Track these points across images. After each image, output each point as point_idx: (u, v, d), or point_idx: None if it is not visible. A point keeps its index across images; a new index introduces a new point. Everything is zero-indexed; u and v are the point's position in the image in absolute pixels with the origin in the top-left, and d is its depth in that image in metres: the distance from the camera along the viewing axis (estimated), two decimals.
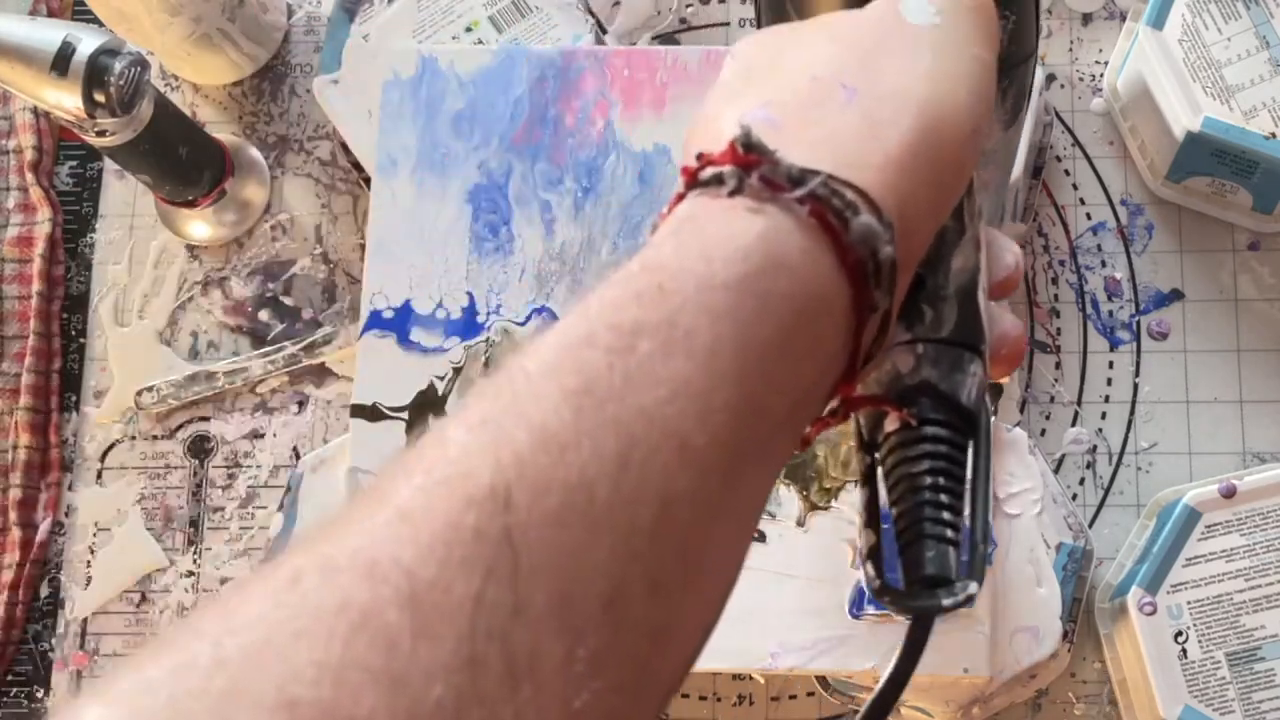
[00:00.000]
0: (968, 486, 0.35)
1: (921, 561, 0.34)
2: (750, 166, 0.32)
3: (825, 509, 0.65)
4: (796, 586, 0.64)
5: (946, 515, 0.35)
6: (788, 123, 0.34)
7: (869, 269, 0.32)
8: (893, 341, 0.36)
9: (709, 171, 0.33)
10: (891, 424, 0.36)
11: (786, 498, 0.65)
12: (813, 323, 0.32)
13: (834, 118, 0.33)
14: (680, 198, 0.34)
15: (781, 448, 0.33)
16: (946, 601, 0.34)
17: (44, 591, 0.74)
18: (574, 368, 0.29)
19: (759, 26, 0.44)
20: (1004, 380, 0.42)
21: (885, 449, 0.36)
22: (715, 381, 0.29)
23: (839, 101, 0.34)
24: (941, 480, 0.35)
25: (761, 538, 0.65)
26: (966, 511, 0.35)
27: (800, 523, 0.65)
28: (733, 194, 0.32)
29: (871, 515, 0.36)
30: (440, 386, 0.68)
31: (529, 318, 0.69)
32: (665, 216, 0.34)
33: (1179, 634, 0.65)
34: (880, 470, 0.36)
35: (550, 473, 0.27)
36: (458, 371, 0.68)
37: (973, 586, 0.34)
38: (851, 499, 0.65)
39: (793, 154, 0.33)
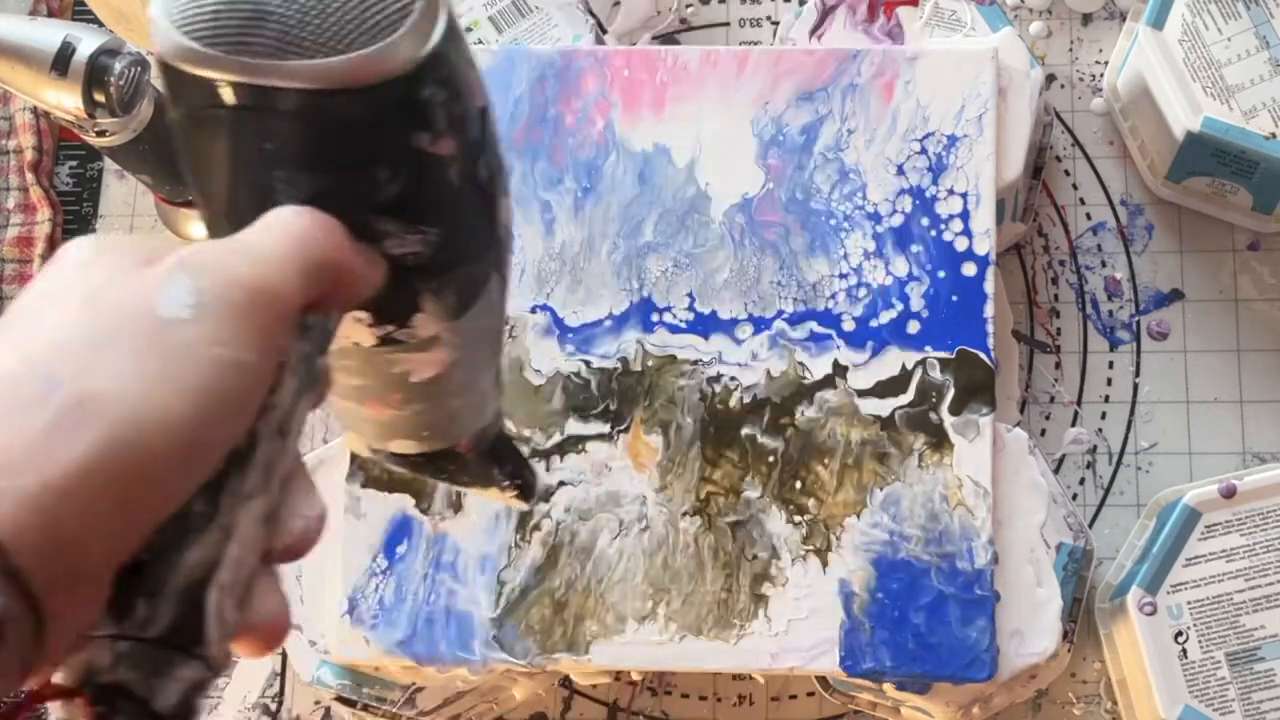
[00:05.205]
0: None
1: None
2: None
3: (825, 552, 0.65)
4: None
5: None
6: None
7: None
8: (94, 631, 0.33)
9: None
10: (85, 716, 0.33)
11: (785, 531, 0.65)
12: None
13: (17, 417, 0.31)
14: None
15: None
16: None
17: None
18: None
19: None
20: None
21: None
22: None
23: (34, 396, 0.31)
24: None
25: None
26: None
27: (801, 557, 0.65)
28: None
29: None
30: None
31: None
32: None
33: (1179, 634, 0.65)
34: None
35: None
36: None
37: None
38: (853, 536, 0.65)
39: None
